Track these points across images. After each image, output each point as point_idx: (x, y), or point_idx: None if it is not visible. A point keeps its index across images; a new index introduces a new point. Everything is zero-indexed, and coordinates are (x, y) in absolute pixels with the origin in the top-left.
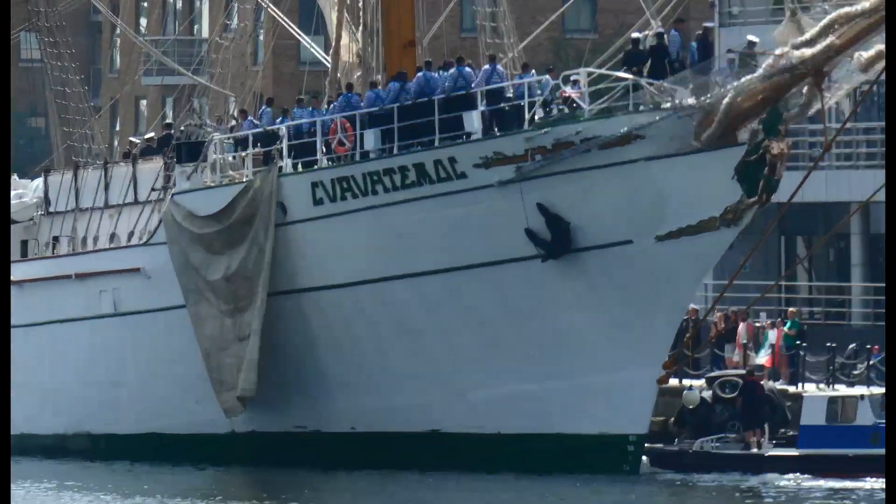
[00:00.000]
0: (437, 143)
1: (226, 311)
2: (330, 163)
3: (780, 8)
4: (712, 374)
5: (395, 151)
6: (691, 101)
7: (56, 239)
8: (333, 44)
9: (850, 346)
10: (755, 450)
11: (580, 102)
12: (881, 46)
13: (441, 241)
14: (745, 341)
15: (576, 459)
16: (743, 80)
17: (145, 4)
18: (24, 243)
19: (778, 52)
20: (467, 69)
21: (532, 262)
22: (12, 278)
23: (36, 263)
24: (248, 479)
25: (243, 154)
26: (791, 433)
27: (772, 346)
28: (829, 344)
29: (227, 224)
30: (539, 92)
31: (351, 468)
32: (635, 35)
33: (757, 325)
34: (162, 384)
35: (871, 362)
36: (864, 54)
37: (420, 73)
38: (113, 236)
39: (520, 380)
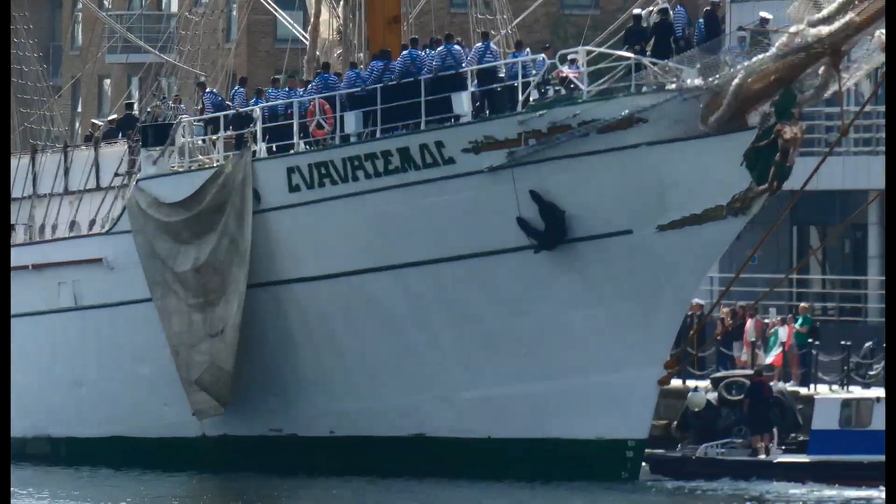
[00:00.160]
0: (423, 127)
1: (195, 306)
2: (307, 147)
3: None
4: (718, 374)
5: (378, 135)
6: (698, 81)
7: (12, 227)
8: (312, 19)
9: (867, 345)
10: (763, 456)
11: (578, 83)
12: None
13: (427, 231)
14: (753, 339)
15: (571, 466)
16: (754, 59)
17: None
18: None
19: (792, 29)
20: (456, 47)
21: (524, 254)
22: None
23: None
24: (219, 485)
25: (214, 137)
26: (802, 438)
27: (782, 344)
28: (843, 342)
29: (195, 212)
30: (534, 72)
31: (330, 474)
32: (637, 11)
33: (766, 321)
34: (127, 384)
35: None
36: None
37: (405, 52)
38: (73, 224)
39: (511, 380)
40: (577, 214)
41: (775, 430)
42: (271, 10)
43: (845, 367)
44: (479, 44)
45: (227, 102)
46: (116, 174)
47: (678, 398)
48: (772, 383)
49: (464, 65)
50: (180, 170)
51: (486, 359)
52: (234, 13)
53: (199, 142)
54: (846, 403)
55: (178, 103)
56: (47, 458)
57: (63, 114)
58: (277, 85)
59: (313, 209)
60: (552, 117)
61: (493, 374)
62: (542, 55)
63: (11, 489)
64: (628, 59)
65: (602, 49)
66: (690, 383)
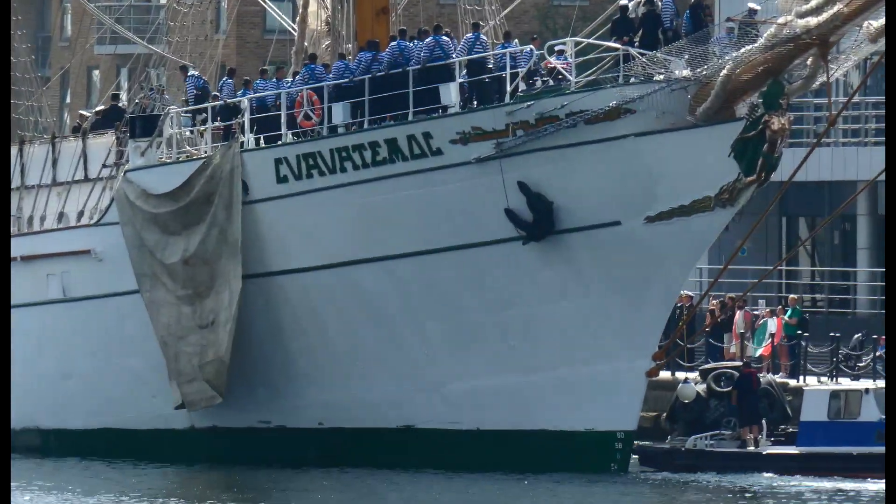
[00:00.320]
0: (411, 117)
1: (183, 297)
2: (295, 138)
3: None
4: (707, 366)
5: (366, 126)
6: (686, 72)
7: None
8: (300, 10)
9: (856, 336)
10: (752, 448)
11: (566, 74)
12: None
13: (415, 223)
14: (742, 330)
15: (560, 458)
16: (742, 50)
17: None
18: None
19: (781, 20)
20: (445, 38)
21: (512, 245)
22: None
23: None
24: (208, 477)
25: (202, 128)
26: (791, 430)
27: (771, 335)
28: (832, 334)
29: (184, 203)
30: (522, 63)
31: (319, 466)
32: (623, 2)
33: (755, 313)
34: (116, 376)
35: (877, 353)
36: (874, 23)
37: (394, 43)
38: (61, 216)
39: (499, 372)
40: (565, 205)
41: (764, 422)
42: (260, 0)
43: (834, 359)
44: (470, 34)
45: (207, 85)
46: (104, 165)
47: (668, 390)
48: (760, 375)
49: (452, 56)
50: (168, 161)
51: (474, 350)
52: (224, 4)
53: (187, 133)
54: (835, 395)
55: (162, 94)
56: (36, 450)
57: (52, 105)
58: (266, 76)
59: (301, 200)
60: (540, 108)
61: (481, 366)
62: (531, 46)
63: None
64: (616, 50)
65: (590, 40)
66: (680, 375)
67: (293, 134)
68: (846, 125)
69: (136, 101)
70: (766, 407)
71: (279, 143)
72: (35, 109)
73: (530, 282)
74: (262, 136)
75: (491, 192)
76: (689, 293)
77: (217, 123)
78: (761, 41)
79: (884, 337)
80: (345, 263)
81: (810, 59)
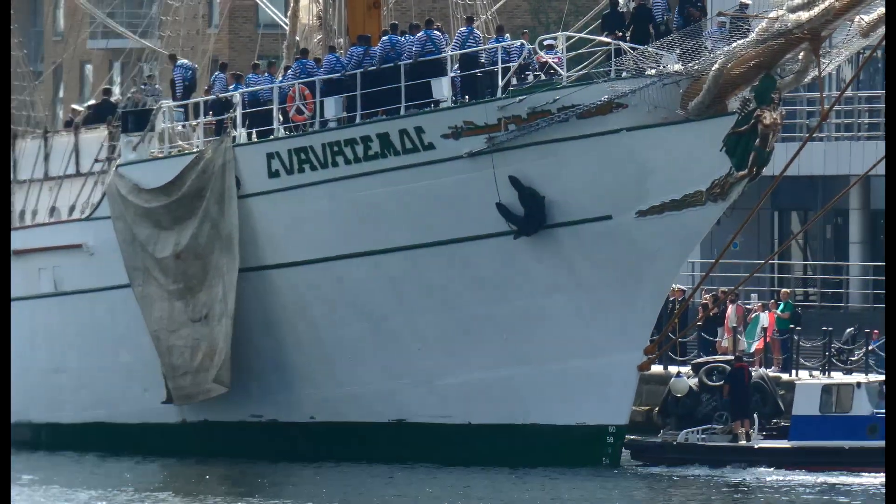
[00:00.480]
0: (402, 112)
1: (175, 292)
2: (287, 132)
3: None
4: (699, 360)
5: (358, 120)
6: (677, 67)
7: None
8: (292, 5)
9: (848, 331)
10: (743, 442)
11: (558, 68)
12: (883, 9)
13: (406, 217)
14: (734, 324)
15: (551, 452)
16: (734, 44)
17: None
18: None
19: (772, 14)
20: (436, 33)
21: (504, 239)
22: None
23: None
24: (200, 471)
25: (194, 123)
26: (783, 424)
27: (763, 329)
28: (825, 328)
29: (175, 197)
30: (514, 57)
31: (311, 460)
32: None
33: (747, 307)
34: (107, 370)
35: (869, 348)
36: (866, 18)
37: (385, 37)
38: (53, 210)
39: (491, 366)
40: (556, 200)
41: (756, 416)
42: None
43: (827, 353)
44: (463, 28)
45: (195, 75)
46: (96, 160)
47: (661, 384)
48: (752, 369)
49: (444, 50)
50: (160, 155)
51: (466, 344)
52: None
53: (179, 127)
54: (826, 389)
55: (154, 83)
56: (28, 443)
57: (44, 99)
58: (258, 70)
59: (293, 195)
60: (532, 103)
61: (473, 360)
62: (522, 40)
63: None
64: (608, 44)
65: (582, 34)
66: (672, 369)
67: (285, 128)
68: (839, 119)
69: (129, 95)
70: (758, 401)
71: (271, 137)
72: (27, 104)
73: (522, 276)
74: (254, 130)
75: (483, 186)
76: (682, 287)
77: (209, 118)
78: (753, 36)
79: (876, 331)
80: (337, 258)
81: (802, 54)
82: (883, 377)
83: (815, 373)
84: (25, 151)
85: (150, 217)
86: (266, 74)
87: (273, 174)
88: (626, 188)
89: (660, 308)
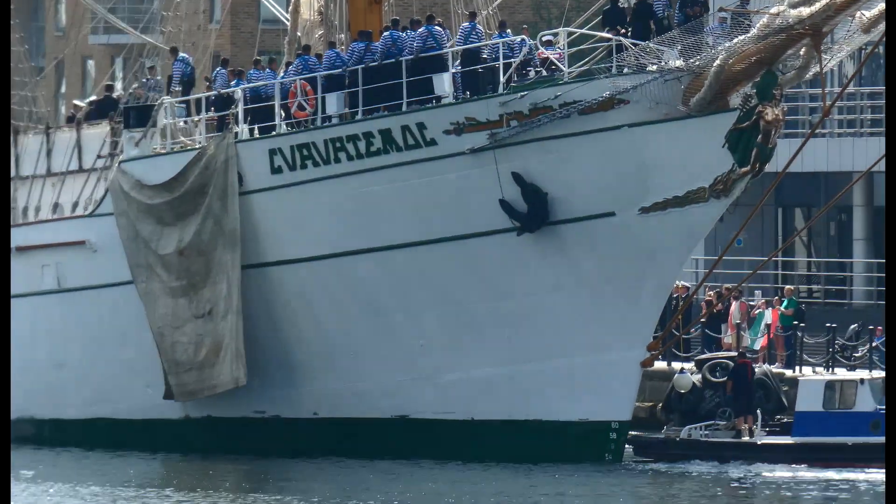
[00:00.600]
0: (404, 108)
1: (178, 288)
2: (289, 128)
3: None
4: (702, 356)
5: (360, 116)
6: (679, 63)
7: None
8: (293, 0)
9: (852, 327)
10: (747, 438)
11: (559, 64)
12: (884, 5)
13: (409, 213)
14: (737, 321)
15: (554, 448)
16: (735, 40)
17: None
18: None
19: (773, 10)
20: (437, 28)
21: (507, 236)
22: None
23: None
24: (203, 467)
25: (196, 119)
26: (786, 420)
27: (767, 326)
28: (828, 324)
29: (178, 194)
30: (516, 53)
31: (313, 456)
32: None
33: (751, 303)
34: (110, 366)
35: (873, 344)
36: (867, 14)
37: (387, 33)
38: (56, 207)
39: (494, 362)
40: (559, 196)
41: (759, 412)
42: None
43: (830, 349)
44: (466, 24)
45: (193, 71)
46: (99, 156)
47: (665, 380)
48: (756, 365)
49: (445, 46)
50: (163, 151)
51: (468, 340)
52: None
53: (181, 123)
54: (830, 385)
55: (154, 76)
56: (31, 439)
57: (46, 95)
58: (259, 66)
59: (295, 191)
60: (533, 99)
61: (476, 356)
62: (523, 36)
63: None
64: (609, 40)
65: (583, 30)
66: (676, 365)
67: (287, 124)
68: (841, 115)
69: (130, 91)
70: (761, 397)
71: (273, 133)
72: (29, 99)
73: (525, 272)
74: (256, 126)
75: (485, 182)
76: (686, 284)
77: (211, 114)
78: (754, 31)
79: (880, 328)
80: (339, 254)
81: (803, 50)
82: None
83: (819, 369)
84: (28, 147)
85: (153, 213)
86: (267, 70)
87: (276, 170)
88: (628, 185)
89: (663, 305)
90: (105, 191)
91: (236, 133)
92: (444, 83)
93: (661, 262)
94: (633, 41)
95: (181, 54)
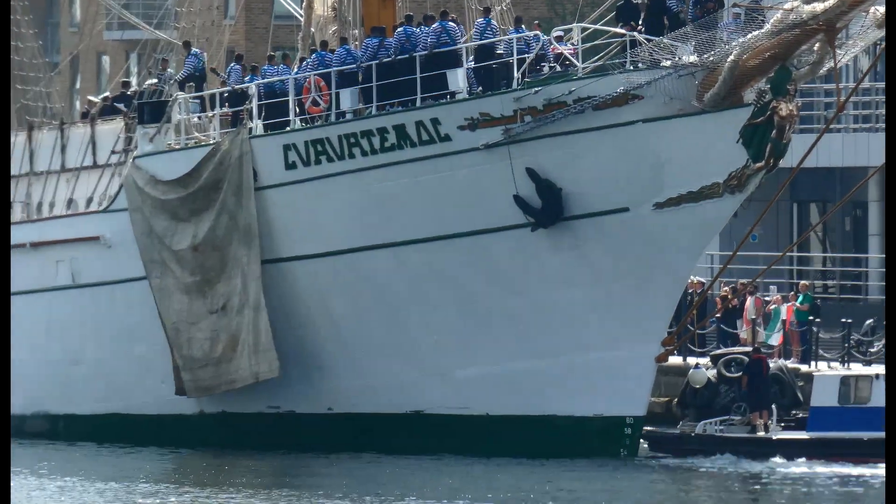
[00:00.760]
0: (418, 103)
1: (192, 284)
2: (303, 124)
3: None
4: (717, 351)
5: (374, 112)
6: (693, 58)
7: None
8: None
9: (867, 322)
10: (762, 433)
11: (573, 60)
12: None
13: (423, 209)
14: (753, 317)
15: (569, 443)
16: (749, 36)
17: None
18: None
19: (787, 6)
20: (451, 24)
21: (521, 231)
22: None
23: None
24: (217, 463)
25: (210, 114)
26: (802, 415)
27: (783, 322)
28: (844, 319)
29: (193, 189)
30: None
31: (328, 452)
32: None
33: (766, 299)
34: (124, 361)
35: None
36: (881, 9)
37: (401, 29)
38: (70, 202)
39: (509, 358)
40: (574, 192)
41: (774, 407)
42: None
43: (846, 345)
44: (480, 19)
45: (204, 67)
46: (113, 151)
47: (680, 376)
48: (771, 361)
49: (459, 41)
50: (177, 147)
51: (483, 336)
52: None
53: (196, 119)
54: (845, 380)
55: (165, 68)
56: (45, 434)
57: (61, 90)
58: (273, 62)
59: (309, 187)
60: (547, 94)
61: (490, 352)
62: (536, 31)
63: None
64: (623, 36)
65: (597, 26)
66: (691, 361)
67: (301, 120)
68: (856, 111)
69: (144, 87)
70: (776, 392)
71: (288, 129)
72: (43, 95)
73: (539, 268)
74: (270, 121)
75: (499, 178)
76: (702, 279)
77: (225, 109)
78: (768, 27)
79: None
80: (353, 250)
81: (817, 45)
82: None
83: (834, 364)
84: (42, 143)
85: (168, 209)
86: (281, 66)
87: (290, 166)
88: (643, 180)
89: (677, 300)
90: (119, 186)
91: (250, 129)
92: (457, 79)
93: (676, 258)
94: (646, 37)
95: (194, 49)
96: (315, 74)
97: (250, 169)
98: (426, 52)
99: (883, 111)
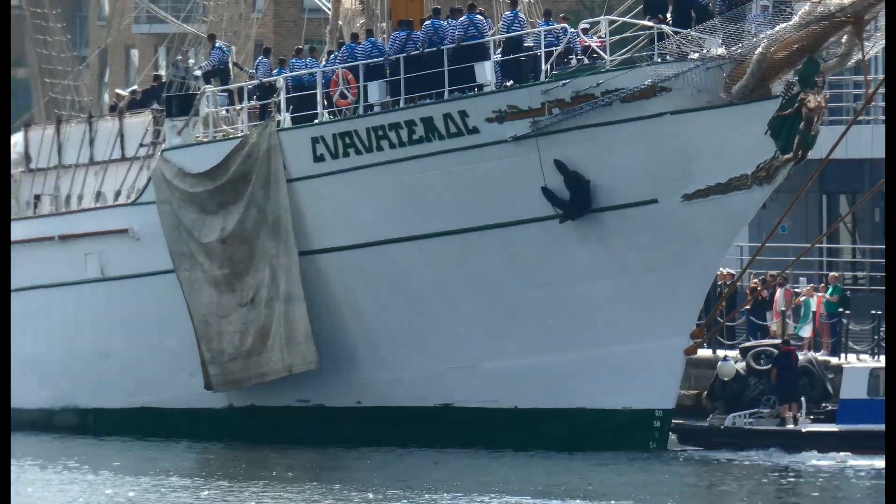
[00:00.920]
0: (446, 96)
1: (220, 277)
2: (331, 117)
3: None
4: (746, 344)
5: (402, 105)
6: (721, 51)
7: (38, 198)
8: None
9: None
10: (791, 426)
11: (601, 52)
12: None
13: (451, 201)
14: (782, 308)
15: (598, 436)
16: (777, 28)
17: None
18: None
19: None
20: (479, 17)
21: (549, 223)
22: None
23: (16, 224)
24: (246, 456)
25: (238, 108)
26: (831, 407)
27: (813, 313)
28: (874, 311)
29: (221, 182)
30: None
31: (357, 445)
32: None
33: (796, 290)
34: (153, 354)
35: None
36: None
37: (428, 22)
38: (99, 195)
39: (537, 351)
40: (602, 184)
41: (803, 400)
42: None
43: (875, 337)
44: (508, 12)
45: (228, 60)
46: (141, 144)
47: (710, 368)
48: (800, 353)
49: (486, 34)
50: (205, 140)
51: (511, 329)
52: None
53: (224, 112)
54: (874, 372)
55: (186, 60)
56: (74, 428)
57: (89, 84)
58: (301, 55)
59: (338, 179)
60: (575, 87)
61: (518, 345)
62: (565, 25)
63: (38, 461)
64: (651, 28)
65: (625, 18)
66: (720, 353)
67: (329, 113)
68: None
69: (165, 79)
70: (806, 385)
71: (315, 121)
72: (72, 88)
73: (567, 260)
74: (298, 114)
75: (527, 170)
76: (730, 271)
77: (253, 102)
78: (796, 19)
79: None
80: (381, 242)
81: (845, 37)
82: None
83: (864, 356)
84: (70, 136)
85: (196, 202)
86: (309, 59)
87: (318, 158)
88: (671, 172)
89: (706, 292)
90: (147, 179)
91: (278, 121)
92: (485, 71)
93: (704, 250)
94: (674, 29)
95: (219, 42)
96: (343, 67)
97: (279, 161)
98: (454, 45)
99: None
